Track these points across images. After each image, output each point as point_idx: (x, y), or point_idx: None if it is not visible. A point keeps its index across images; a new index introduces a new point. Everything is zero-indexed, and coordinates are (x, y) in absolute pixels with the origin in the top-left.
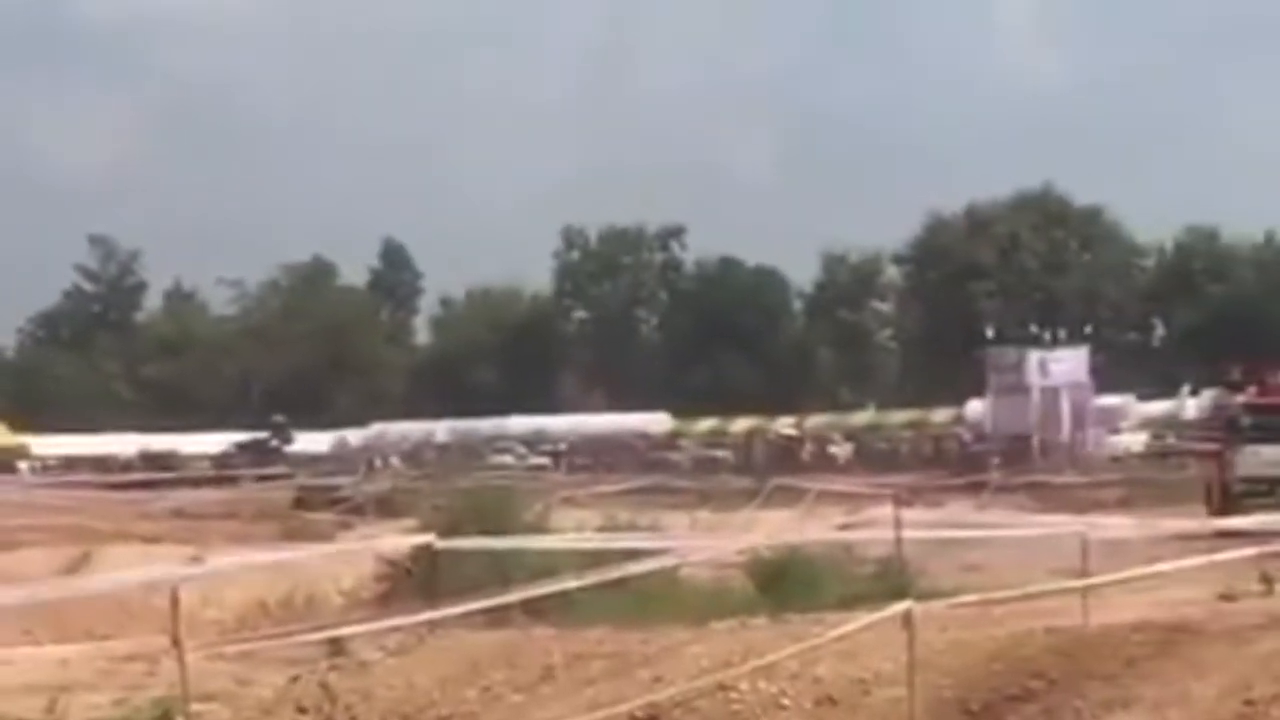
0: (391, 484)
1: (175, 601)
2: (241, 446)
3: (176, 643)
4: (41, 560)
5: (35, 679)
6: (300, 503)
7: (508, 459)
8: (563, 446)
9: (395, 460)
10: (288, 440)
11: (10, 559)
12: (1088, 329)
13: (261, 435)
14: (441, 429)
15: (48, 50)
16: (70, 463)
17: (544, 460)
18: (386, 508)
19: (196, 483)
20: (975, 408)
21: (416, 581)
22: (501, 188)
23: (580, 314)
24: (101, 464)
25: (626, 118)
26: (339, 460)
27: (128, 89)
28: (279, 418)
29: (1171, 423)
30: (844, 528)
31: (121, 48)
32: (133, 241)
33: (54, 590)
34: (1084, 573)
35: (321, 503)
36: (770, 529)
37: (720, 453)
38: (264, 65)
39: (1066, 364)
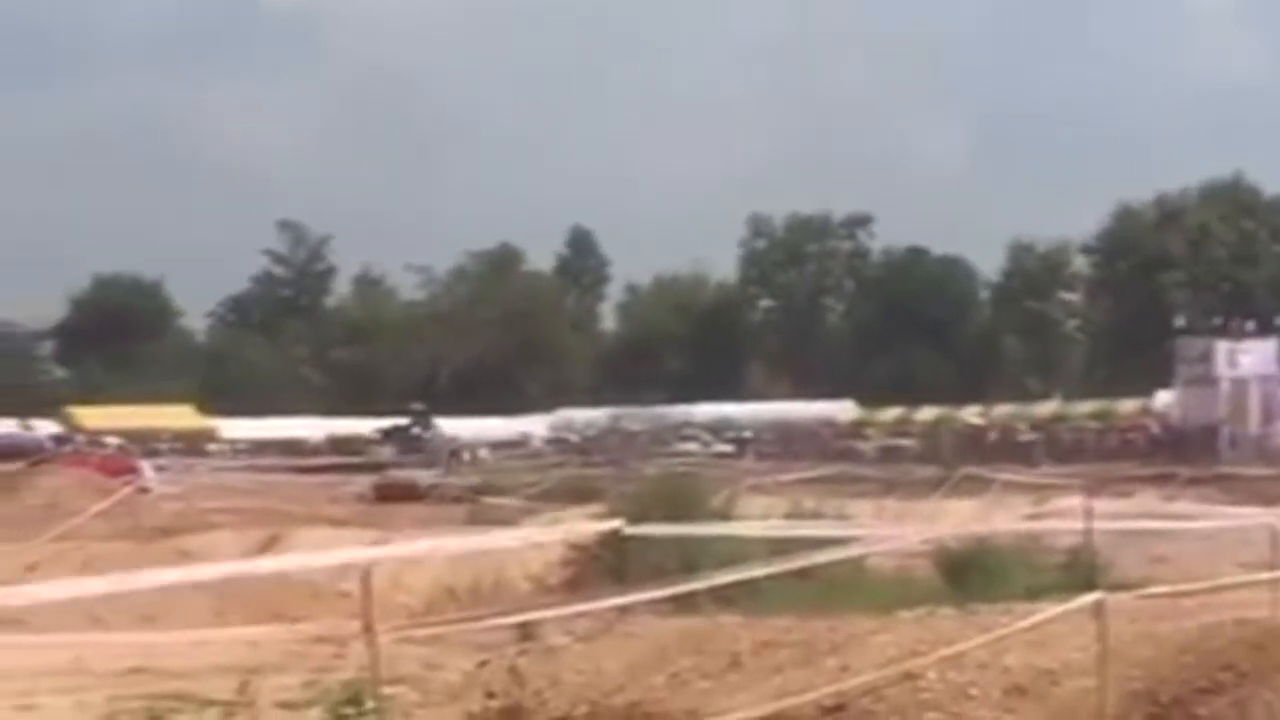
0: (480, 477)
1: (368, 584)
2: (385, 433)
3: (368, 626)
4: (231, 542)
5: (225, 660)
6: (380, 492)
7: (693, 446)
8: (748, 434)
9: (484, 452)
10: (428, 427)
11: (201, 541)
12: (1278, 320)
13: (403, 422)
14: (627, 416)
15: (240, 39)
16: (259, 446)
17: (728, 448)
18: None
19: (382, 467)
20: (1163, 399)
21: (604, 567)
22: (689, 175)
23: (766, 302)
24: (290, 448)
25: (815, 107)
26: (430, 452)
27: (319, 77)
28: (419, 405)
29: None
30: (1031, 518)
31: (313, 36)
32: (323, 227)
33: (245, 572)
34: (1274, 565)
35: (401, 493)
36: (957, 518)
37: (906, 442)
38: (454, 53)
39: (1255, 355)
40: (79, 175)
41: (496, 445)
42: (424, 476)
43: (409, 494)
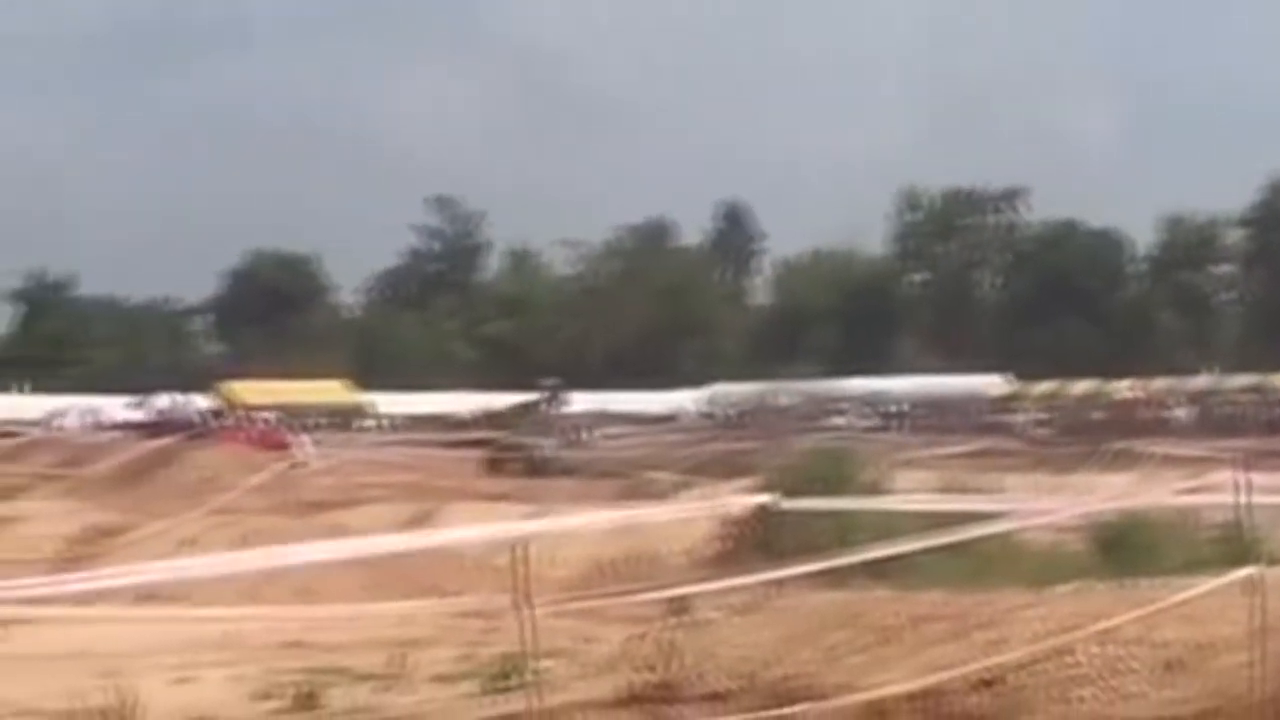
0: (595, 453)
1: (524, 558)
2: (518, 409)
3: (524, 599)
4: (385, 517)
5: (380, 634)
6: (493, 464)
7: (844, 420)
8: (901, 408)
9: (599, 432)
10: (561, 403)
11: (355, 515)
12: None
13: (536, 397)
14: (779, 390)
15: (395, 17)
16: (411, 421)
17: (879, 422)
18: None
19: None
20: None
21: (756, 541)
22: (842, 149)
23: (919, 276)
24: (441, 422)
25: (969, 81)
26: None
27: (473, 53)
28: (552, 380)
29: None
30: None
31: (468, 12)
32: (475, 202)
33: (399, 546)
34: None
35: (514, 465)
36: (1109, 492)
37: (1058, 415)
38: (609, 28)
39: None
40: (235, 153)
41: (647, 420)
42: (538, 450)
43: (523, 466)
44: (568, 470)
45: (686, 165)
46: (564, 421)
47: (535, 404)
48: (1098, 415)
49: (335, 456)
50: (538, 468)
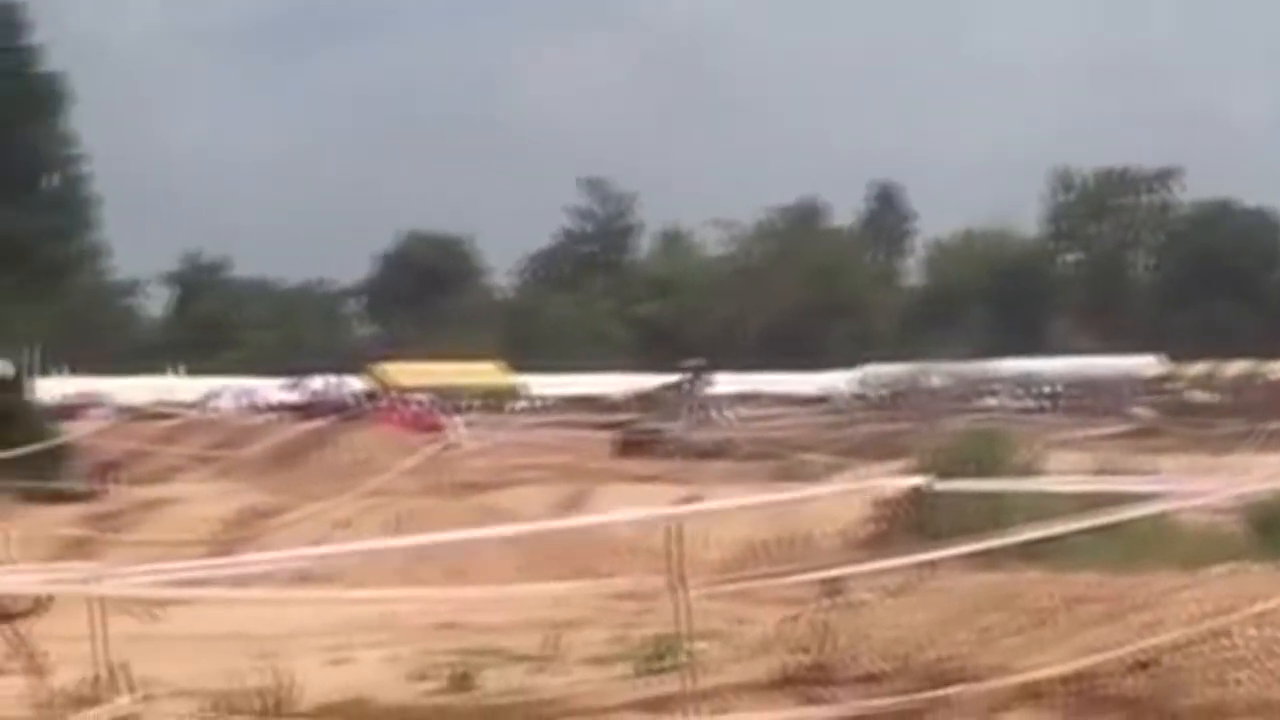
0: (727, 434)
1: (678, 539)
2: (664, 390)
3: (678, 580)
4: (537, 498)
5: (533, 615)
6: (623, 447)
7: (997, 402)
8: (1054, 389)
9: (730, 414)
10: (705, 384)
11: (508, 497)
12: None
13: (679, 379)
14: (931, 371)
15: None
16: (564, 402)
17: (1032, 403)
18: (714, 456)
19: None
20: None
21: (910, 523)
22: (994, 129)
23: (1072, 256)
24: (594, 404)
25: (1123, 60)
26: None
27: (625, 34)
28: (695, 361)
29: None
30: None
31: None
32: (628, 184)
33: (552, 528)
34: None
35: (644, 448)
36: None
37: (1214, 396)
38: (760, 7)
39: None
40: (389, 135)
41: (798, 400)
42: (668, 430)
43: (653, 447)
44: (703, 453)
45: (838, 145)
46: (696, 403)
47: (679, 385)
48: (1254, 395)
49: (488, 438)
50: (666, 450)
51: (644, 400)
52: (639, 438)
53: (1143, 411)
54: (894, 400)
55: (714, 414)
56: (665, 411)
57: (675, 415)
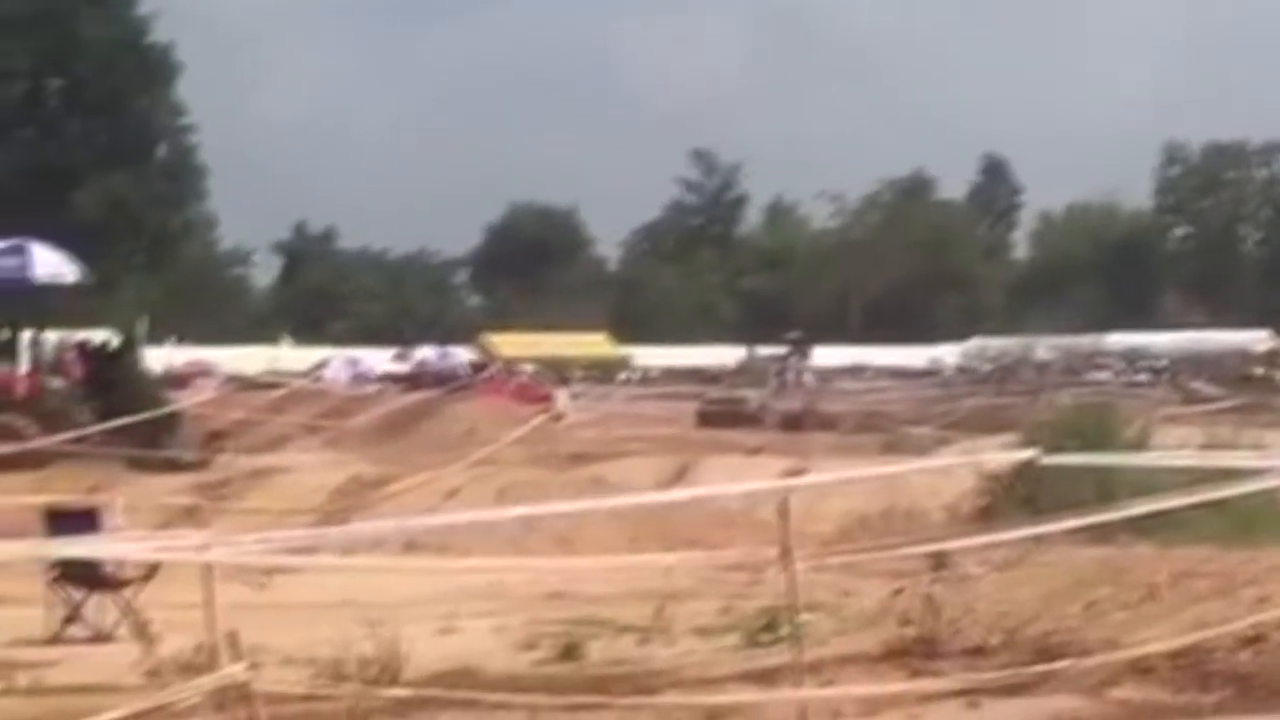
0: (804, 402)
1: (786, 512)
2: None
3: (786, 553)
4: (644, 470)
5: (641, 586)
6: (705, 417)
7: (1106, 375)
8: (1163, 363)
9: (809, 377)
10: (806, 356)
11: (615, 468)
12: None
13: (781, 351)
14: (1039, 344)
15: None
16: (670, 374)
17: (1141, 377)
18: (794, 425)
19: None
20: None
21: (1018, 497)
22: (1104, 103)
23: (1181, 230)
24: (700, 375)
25: (1233, 33)
26: (748, 373)
27: (734, 6)
28: (795, 333)
29: None
30: None
31: None
32: (735, 155)
33: (660, 500)
34: None
35: (725, 418)
36: None
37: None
38: None
39: None
40: (498, 104)
41: (905, 374)
42: (752, 400)
43: (735, 418)
44: (784, 422)
45: (946, 117)
46: (780, 373)
47: (782, 358)
48: None
49: (594, 409)
50: (747, 419)
51: (745, 372)
52: (719, 407)
53: (1203, 387)
54: (1001, 373)
55: (793, 382)
56: (750, 381)
57: (760, 385)
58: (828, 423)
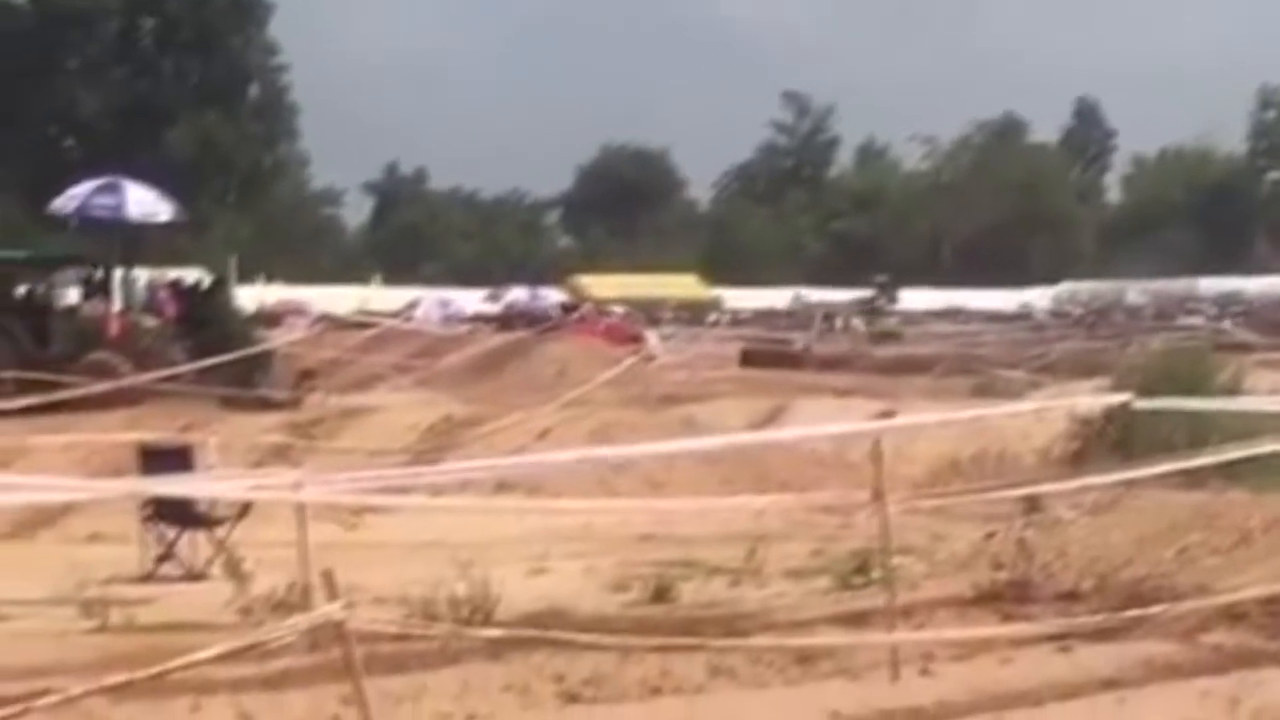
0: (849, 346)
1: (879, 454)
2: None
3: (878, 495)
4: (735, 411)
5: (733, 528)
6: (747, 358)
7: (1198, 320)
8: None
9: (857, 321)
10: (893, 299)
11: (707, 410)
12: None
13: (867, 294)
14: (1131, 289)
15: None
16: (761, 316)
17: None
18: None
19: (884, 337)
20: None
21: (1109, 441)
22: (1198, 47)
23: (1275, 175)
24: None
25: None
26: (792, 316)
27: None
28: (882, 277)
29: None
30: None
31: None
32: (827, 97)
33: (750, 441)
34: None
35: (769, 359)
36: None
37: None
38: None
39: None
40: (590, 47)
41: (997, 318)
42: (794, 342)
43: (780, 359)
44: (825, 364)
45: (1040, 61)
46: (827, 318)
47: (868, 300)
48: None
49: (685, 351)
50: (789, 361)
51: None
52: (763, 348)
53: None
54: (1093, 317)
55: (840, 328)
56: (795, 323)
57: (805, 327)
58: (919, 366)
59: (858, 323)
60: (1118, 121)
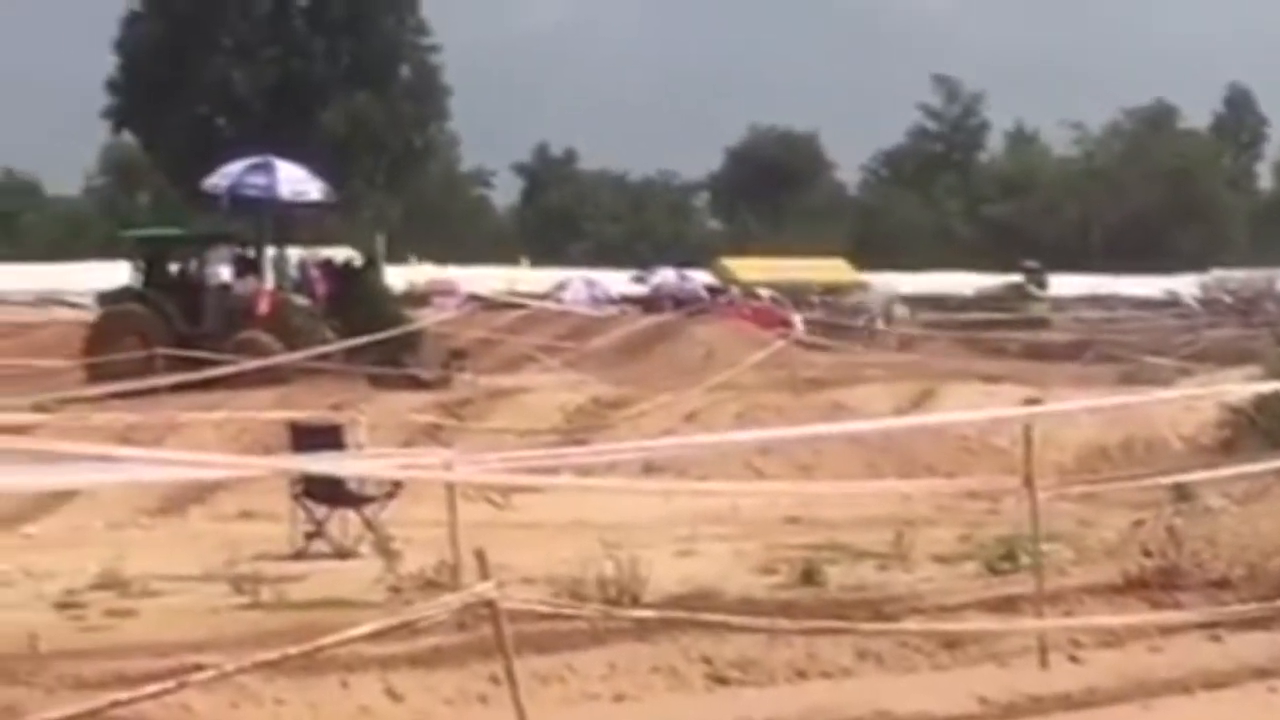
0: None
1: (1029, 440)
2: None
3: (1028, 481)
4: (883, 396)
5: (879, 513)
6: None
7: None
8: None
9: (900, 308)
10: (1042, 285)
11: (853, 395)
12: None
13: (1016, 279)
14: None
15: None
16: (909, 301)
17: None
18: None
19: (1034, 324)
20: None
21: (1260, 429)
22: None
23: None
24: (939, 303)
25: None
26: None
27: None
28: (1032, 262)
29: None
30: None
31: None
32: (976, 82)
33: (896, 425)
34: None
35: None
36: None
37: None
38: None
39: None
40: (739, 27)
41: (1143, 304)
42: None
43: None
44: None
45: (1192, 47)
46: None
47: (1019, 286)
48: None
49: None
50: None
51: (982, 301)
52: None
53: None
54: (1243, 305)
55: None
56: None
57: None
58: (1067, 352)
59: (900, 310)
60: (1270, 109)
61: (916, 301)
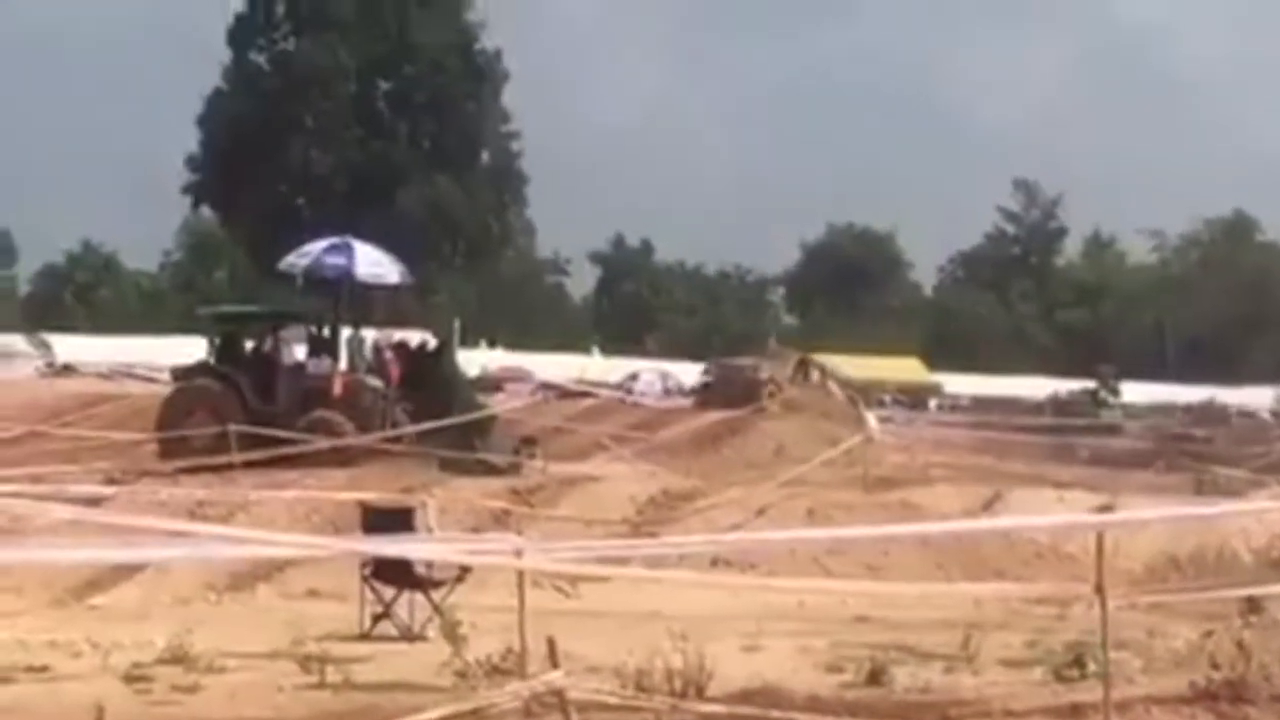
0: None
1: (1100, 548)
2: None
3: (1099, 589)
4: (953, 498)
5: (948, 615)
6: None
7: None
8: None
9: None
10: (1115, 391)
11: (923, 495)
12: None
13: (1090, 385)
14: None
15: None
16: (980, 403)
17: None
18: None
19: (1110, 429)
20: None
21: None
22: None
23: None
24: (1011, 406)
25: None
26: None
27: (1065, 30)
28: (1107, 367)
29: None
30: None
31: None
32: (1056, 186)
33: (967, 528)
34: None
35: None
36: None
37: None
38: (1203, 11)
39: None
40: (819, 124)
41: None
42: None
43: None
44: None
45: (1270, 158)
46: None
47: (1092, 392)
48: None
49: (903, 434)
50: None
51: (1058, 406)
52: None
53: None
54: None
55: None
56: None
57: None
58: (1139, 460)
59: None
60: None
61: (989, 404)
